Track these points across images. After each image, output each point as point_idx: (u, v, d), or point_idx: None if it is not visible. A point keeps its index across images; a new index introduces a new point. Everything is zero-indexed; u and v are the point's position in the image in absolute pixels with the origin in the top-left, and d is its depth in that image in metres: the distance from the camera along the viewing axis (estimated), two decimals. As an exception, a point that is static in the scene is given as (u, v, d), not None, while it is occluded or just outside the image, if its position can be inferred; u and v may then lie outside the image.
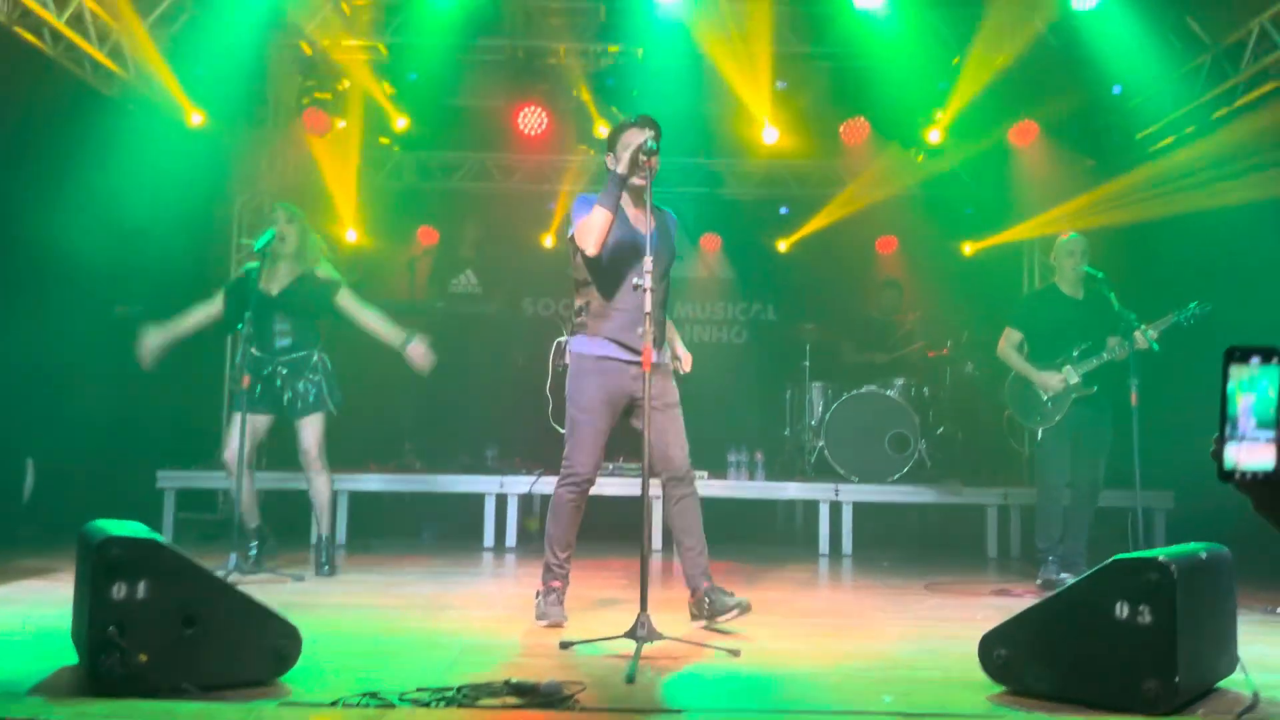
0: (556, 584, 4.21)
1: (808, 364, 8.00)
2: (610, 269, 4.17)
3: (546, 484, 7.14)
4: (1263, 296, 5.98)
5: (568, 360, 4.36)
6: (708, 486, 7.18)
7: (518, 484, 7.10)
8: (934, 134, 7.62)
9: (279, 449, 6.60)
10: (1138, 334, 5.24)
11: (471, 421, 8.11)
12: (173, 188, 7.05)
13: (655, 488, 6.86)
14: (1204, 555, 3.16)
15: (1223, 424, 1.35)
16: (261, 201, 8.35)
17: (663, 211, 4.32)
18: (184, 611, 2.89)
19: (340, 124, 7.54)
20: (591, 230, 4.03)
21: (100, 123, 6.81)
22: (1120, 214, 7.40)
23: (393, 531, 7.64)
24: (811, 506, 7.34)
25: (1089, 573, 3.11)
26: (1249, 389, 1.34)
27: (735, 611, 4.10)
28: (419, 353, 5.43)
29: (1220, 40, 6.72)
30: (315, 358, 5.43)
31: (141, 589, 2.86)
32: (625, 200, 4.18)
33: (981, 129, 7.74)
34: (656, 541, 7.05)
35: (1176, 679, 2.83)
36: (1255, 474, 1.35)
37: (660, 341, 4.19)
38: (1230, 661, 3.26)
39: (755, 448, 7.62)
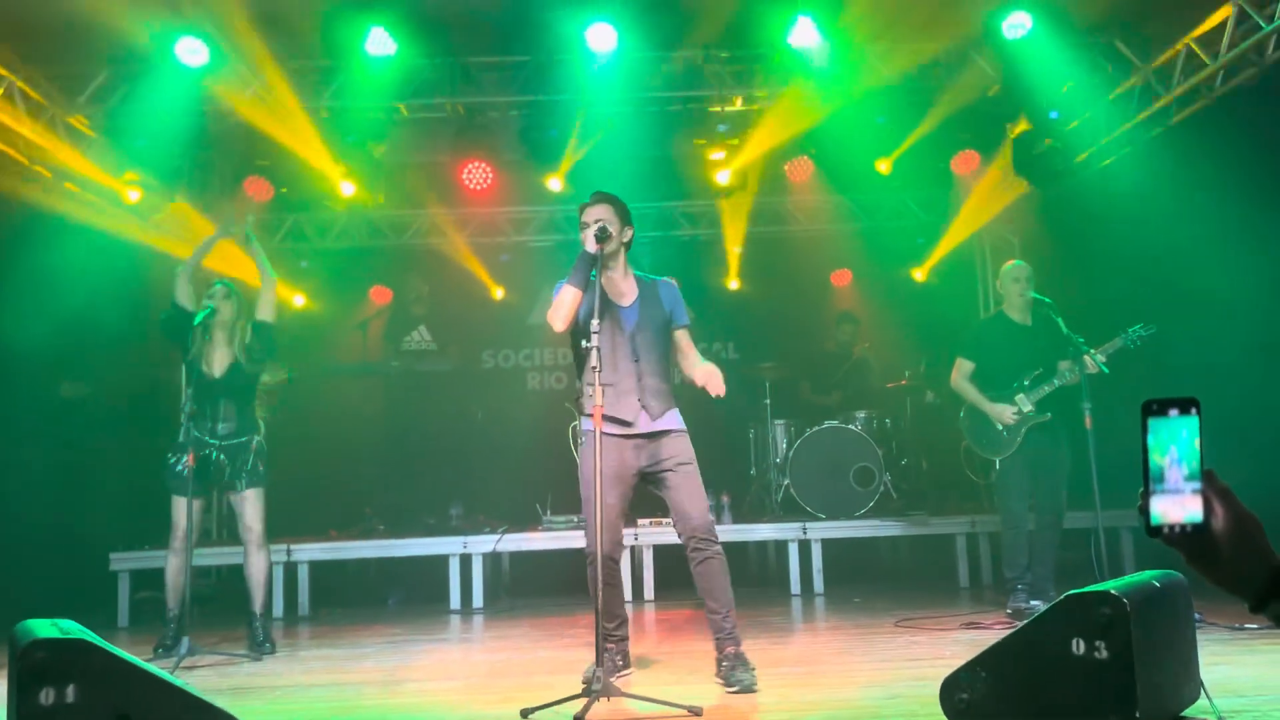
0: (610, 645, 4.17)
1: (768, 402, 7.98)
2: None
3: (511, 541, 7.06)
4: (1203, 313, 6.03)
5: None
6: (673, 533, 7.10)
7: (481, 543, 6.98)
8: (880, 168, 7.66)
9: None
10: (1087, 358, 5.26)
11: (434, 480, 8.00)
12: (116, 263, 6.96)
13: (609, 543, 6.86)
14: (1157, 584, 3.13)
15: (1146, 478, 1.32)
16: (208, 272, 8.25)
17: (654, 281, 4.40)
18: (117, 712, 2.78)
19: (283, 190, 7.48)
20: (559, 308, 4.10)
21: (38, 200, 6.73)
22: (1064, 238, 7.49)
23: (357, 600, 7.49)
24: (783, 545, 7.28)
25: (1043, 610, 3.07)
26: (1170, 441, 1.32)
27: (738, 689, 3.90)
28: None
29: (1149, 61, 6.85)
30: (255, 442, 5.43)
31: (70, 693, 2.74)
32: (606, 275, 4.23)
33: (926, 160, 7.81)
34: (627, 592, 6.95)
35: (1137, 714, 2.79)
36: (1184, 527, 1.32)
37: (661, 408, 4.27)
38: (1194, 689, 3.22)
39: (721, 489, 7.56)
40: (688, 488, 4.21)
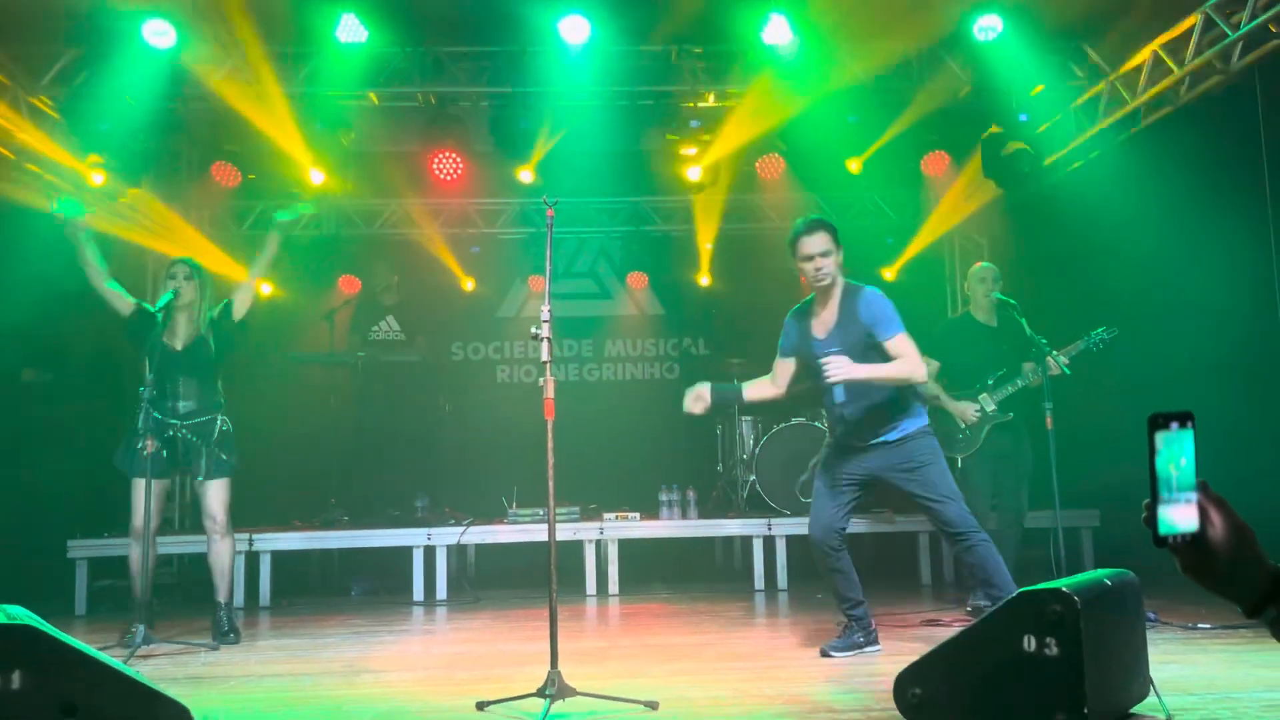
0: (845, 621, 4.60)
1: (736, 399, 7.97)
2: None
3: (476, 533, 7.04)
4: (1167, 316, 6.11)
5: None
6: (639, 527, 7.14)
7: (446, 535, 6.96)
8: (850, 166, 7.69)
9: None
10: (1050, 359, 5.31)
11: (400, 472, 7.95)
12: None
13: (567, 530, 6.89)
14: (1109, 582, 3.16)
15: (1154, 489, 1.36)
16: (174, 255, 8.17)
17: (854, 295, 4.54)
18: (62, 700, 2.75)
19: (251, 176, 7.40)
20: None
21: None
22: (1033, 240, 7.55)
23: (320, 590, 7.45)
24: (747, 541, 7.31)
25: (996, 607, 3.10)
26: (1171, 453, 1.34)
27: None
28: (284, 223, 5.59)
29: (1116, 67, 6.91)
30: (219, 420, 5.34)
31: (16, 679, 2.72)
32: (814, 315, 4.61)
33: (895, 160, 7.84)
34: (591, 586, 6.97)
35: (1085, 710, 2.82)
36: (1182, 536, 1.36)
37: (878, 426, 4.48)
38: (1143, 686, 3.26)
39: (688, 485, 7.57)
40: (925, 489, 4.45)
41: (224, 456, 5.34)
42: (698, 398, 4.54)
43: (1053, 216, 7.49)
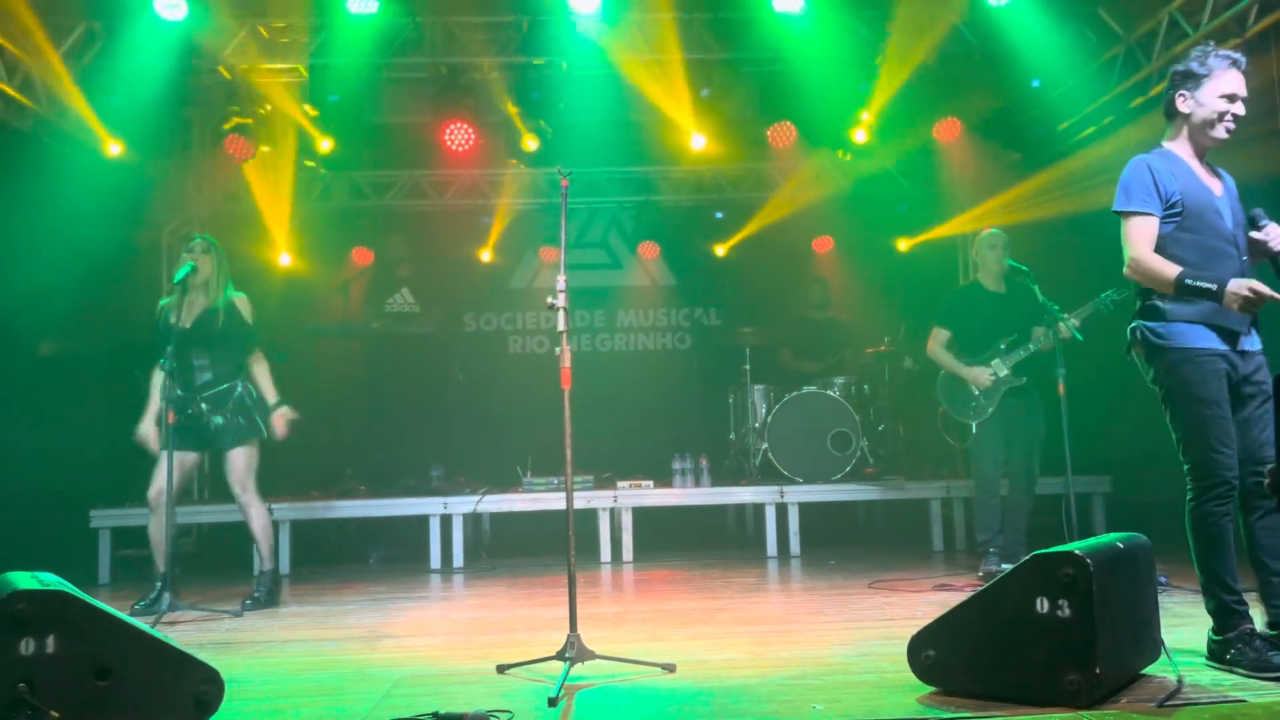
0: (1246, 626, 3.40)
1: (748, 367, 8.02)
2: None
3: (491, 502, 7.12)
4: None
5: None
6: (652, 496, 7.20)
7: (462, 504, 7.03)
8: (859, 134, 7.67)
9: (221, 481, 6.48)
10: (1061, 325, 5.32)
11: (415, 442, 8.04)
12: (94, 220, 6.91)
13: (581, 499, 6.95)
14: (1121, 545, 3.20)
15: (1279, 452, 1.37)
16: (190, 229, 8.23)
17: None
18: (96, 664, 2.82)
19: (264, 149, 7.43)
20: (1146, 273, 3.45)
21: (13, 158, 6.66)
22: (1047, 207, 7.53)
23: (338, 559, 7.55)
24: (760, 509, 7.37)
25: (1010, 570, 3.14)
26: None
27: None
28: (281, 420, 5.48)
29: (1132, 31, 6.86)
30: (239, 389, 5.40)
31: (50, 643, 2.78)
32: (1194, 157, 3.55)
33: (908, 127, 7.82)
34: (606, 554, 7.05)
35: (1097, 670, 2.87)
36: None
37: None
38: (1154, 648, 3.31)
39: (700, 453, 7.63)
40: (1262, 423, 3.40)
41: (242, 422, 5.37)
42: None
43: (1066, 181, 7.45)
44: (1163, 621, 3.42)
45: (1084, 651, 2.88)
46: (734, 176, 9.29)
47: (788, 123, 7.63)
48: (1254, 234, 3.43)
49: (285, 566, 6.92)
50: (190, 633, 4.74)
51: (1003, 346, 5.66)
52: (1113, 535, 3.35)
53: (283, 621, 5.05)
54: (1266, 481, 3.29)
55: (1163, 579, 5.01)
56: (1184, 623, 4.17)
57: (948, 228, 8.73)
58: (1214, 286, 3.27)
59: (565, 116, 7.53)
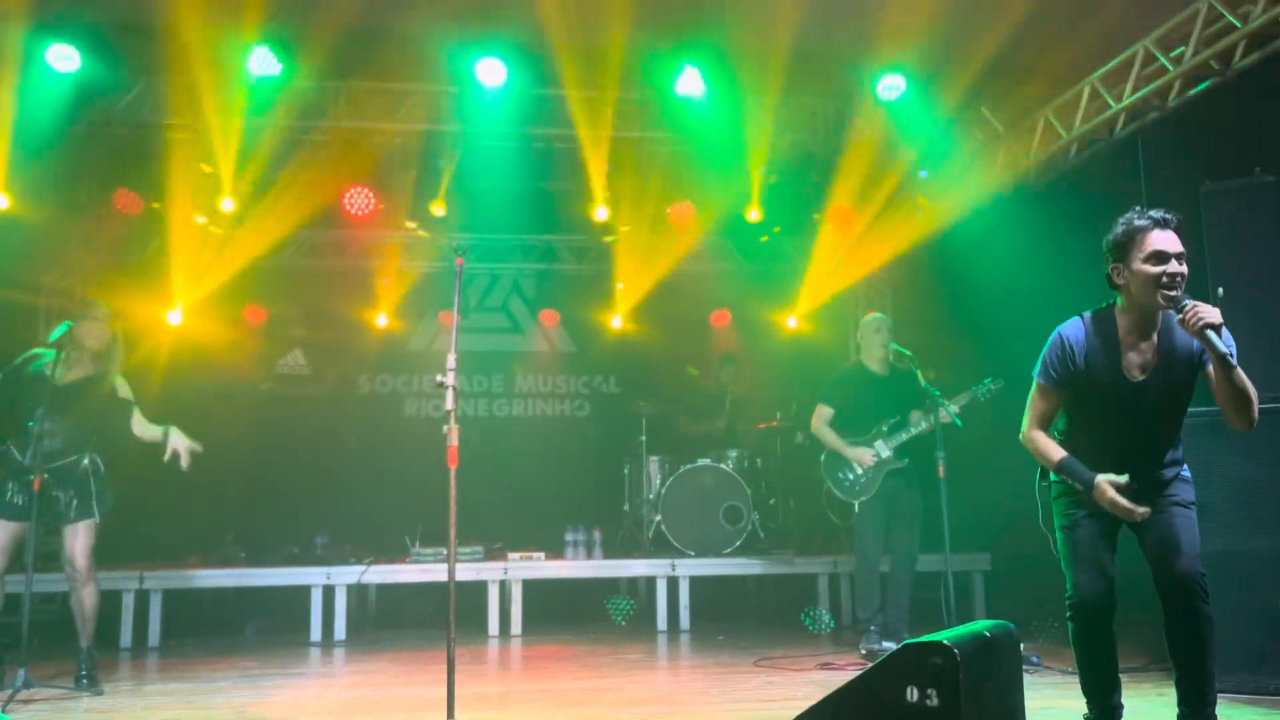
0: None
1: (644, 438, 8.07)
2: None
3: (377, 573, 6.95)
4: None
5: None
6: (543, 568, 7.14)
7: (346, 574, 6.85)
8: (753, 214, 7.87)
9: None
10: (941, 410, 5.51)
11: (301, 507, 7.82)
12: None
13: (470, 571, 6.85)
14: (988, 633, 3.30)
15: None
16: (71, 285, 7.96)
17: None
18: (-68, 757, 2.65)
19: (155, 205, 7.26)
20: (1039, 452, 3.48)
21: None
22: (926, 288, 7.84)
23: (213, 629, 7.24)
24: (652, 581, 7.36)
25: (882, 659, 3.20)
26: None
27: None
28: (180, 445, 5.28)
29: (1011, 129, 7.25)
30: (85, 462, 5.10)
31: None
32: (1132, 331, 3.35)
33: (803, 209, 8.07)
34: (494, 627, 6.93)
35: (963, 759, 2.93)
36: None
37: (1170, 463, 3.41)
38: (1019, 734, 3.41)
39: (594, 524, 7.61)
40: (1175, 528, 3.34)
41: (87, 501, 5.06)
42: None
43: (950, 269, 7.77)
44: (1032, 703, 3.52)
45: (951, 740, 2.94)
46: (636, 248, 9.41)
47: (687, 202, 7.81)
48: (1180, 318, 3.16)
49: (155, 639, 6.62)
50: (47, 713, 4.49)
51: (884, 428, 5.84)
52: (981, 623, 3.45)
53: (147, 700, 4.82)
54: None
55: (1034, 659, 5.18)
56: (1052, 704, 4.30)
57: (835, 299, 8.99)
58: (1081, 486, 3.33)
59: (469, 182, 7.57)
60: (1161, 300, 3.20)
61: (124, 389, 5.26)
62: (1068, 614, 3.46)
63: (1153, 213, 3.30)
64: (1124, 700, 3.54)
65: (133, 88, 6.66)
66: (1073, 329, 3.43)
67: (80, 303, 5.43)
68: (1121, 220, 3.35)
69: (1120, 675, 3.53)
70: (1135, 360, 3.33)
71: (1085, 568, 3.40)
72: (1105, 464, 3.31)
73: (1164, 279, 3.19)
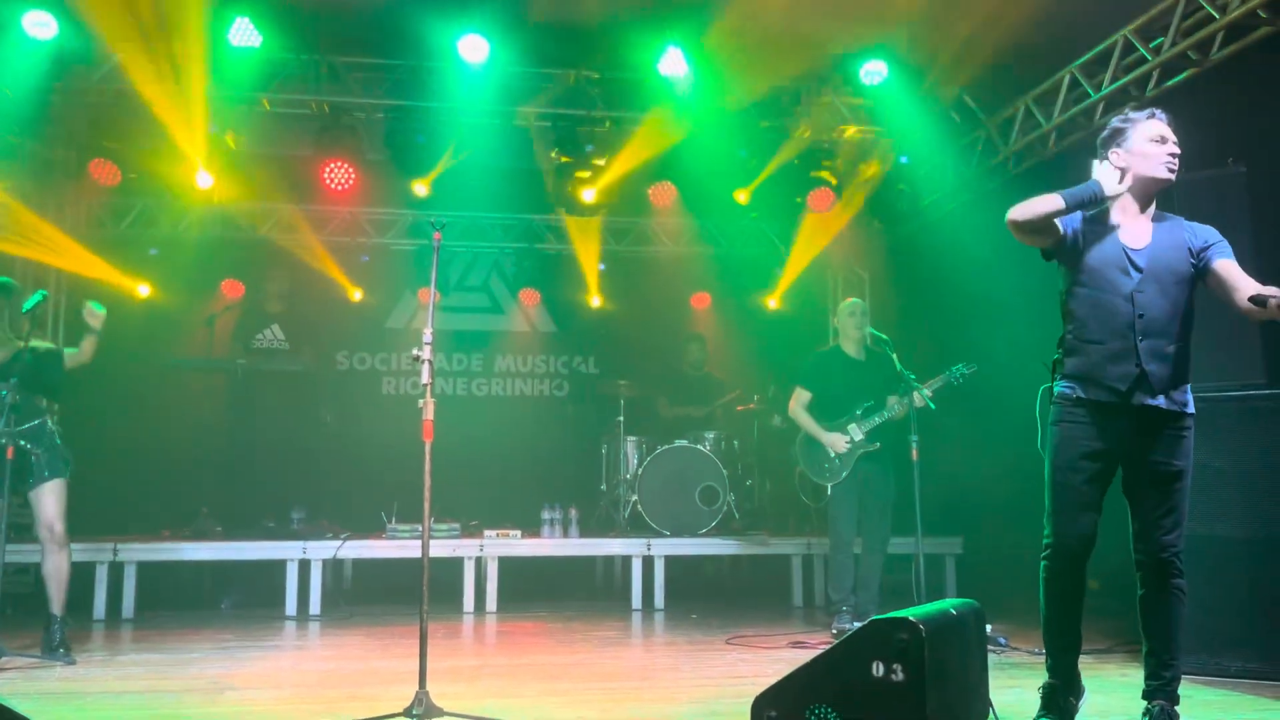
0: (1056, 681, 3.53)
1: (622, 419, 8.10)
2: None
3: (353, 548, 6.97)
4: (1024, 354, 6.45)
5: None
6: (519, 546, 7.17)
7: (322, 549, 6.86)
8: (739, 196, 7.88)
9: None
10: (915, 394, 5.56)
11: (277, 483, 7.79)
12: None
13: (447, 547, 6.88)
14: (954, 611, 3.36)
15: None
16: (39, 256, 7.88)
17: (1181, 222, 3.50)
18: (-98, 720, 2.66)
19: (132, 175, 7.19)
20: (1023, 206, 3.36)
21: None
22: (904, 274, 7.90)
23: (188, 603, 7.24)
24: (628, 560, 7.41)
25: (849, 634, 3.26)
26: None
27: None
28: (88, 311, 5.23)
29: (993, 116, 7.30)
30: (49, 424, 5.12)
31: None
32: (1128, 207, 3.49)
33: (784, 193, 8.09)
34: (469, 603, 6.96)
35: (927, 732, 2.99)
36: None
37: (1178, 378, 3.39)
38: (983, 709, 3.47)
39: (570, 503, 7.64)
40: (1164, 500, 3.41)
41: (59, 457, 5.08)
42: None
43: (928, 255, 7.83)
44: (998, 682, 3.58)
45: (915, 714, 3.00)
46: (617, 229, 9.42)
47: (668, 183, 7.82)
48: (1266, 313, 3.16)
49: (129, 611, 6.61)
50: (17, 681, 4.49)
51: (859, 412, 5.89)
52: (948, 601, 3.51)
53: (119, 671, 4.82)
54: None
55: (1001, 639, 5.26)
56: (1016, 684, 4.37)
57: (802, 264, 9.03)
58: (1089, 197, 3.36)
59: (451, 161, 7.54)
60: (1164, 172, 3.40)
61: (38, 342, 5.21)
62: (1043, 555, 3.47)
63: (1149, 109, 3.51)
64: (1086, 682, 3.61)
65: (111, 56, 6.58)
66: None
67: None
68: (1117, 116, 3.54)
69: (1084, 654, 3.59)
70: (1128, 235, 3.45)
71: (1072, 518, 3.40)
72: (1111, 343, 3.38)
73: (1165, 154, 3.40)
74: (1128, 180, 3.44)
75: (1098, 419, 3.40)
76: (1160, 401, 3.36)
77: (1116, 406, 3.38)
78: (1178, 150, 3.42)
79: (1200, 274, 3.40)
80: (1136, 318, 3.37)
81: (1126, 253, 3.41)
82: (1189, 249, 3.41)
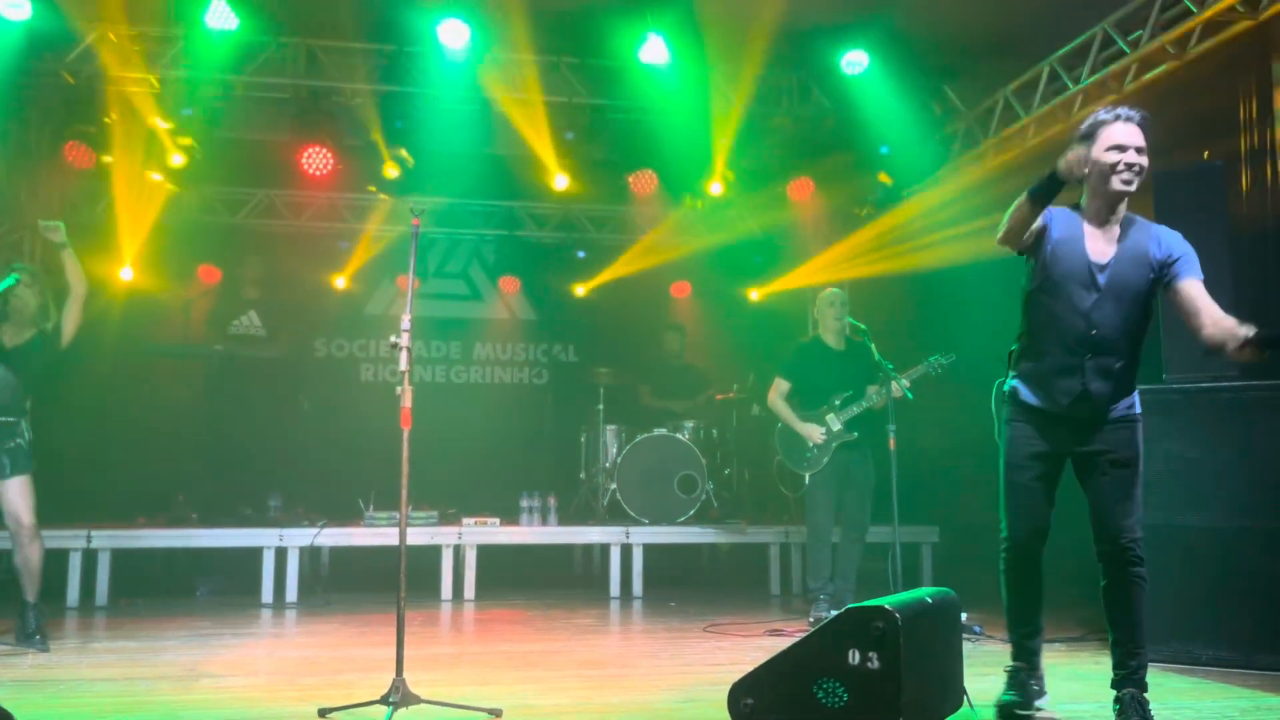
0: (1022, 666, 3.69)
1: (602, 407, 8.10)
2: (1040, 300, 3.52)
3: (330, 535, 6.94)
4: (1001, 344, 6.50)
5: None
6: (498, 534, 7.16)
7: (299, 536, 6.82)
8: (715, 186, 7.86)
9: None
10: (894, 384, 5.58)
11: (254, 470, 7.75)
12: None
13: (424, 535, 6.86)
14: (930, 600, 3.38)
15: None
16: (21, 236, 7.80)
17: (1149, 229, 3.47)
18: None
19: (107, 159, 7.11)
20: (1001, 225, 3.45)
21: None
22: (885, 265, 7.91)
23: (163, 590, 7.19)
24: (607, 549, 7.41)
25: (825, 622, 3.27)
26: None
27: None
28: (44, 228, 5.09)
29: (972, 108, 7.32)
30: (21, 423, 5.02)
31: None
32: (1096, 214, 3.46)
33: (763, 183, 8.09)
34: (447, 591, 6.95)
35: (901, 719, 3.01)
36: None
37: (1120, 392, 3.47)
38: (956, 697, 3.50)
39: (549, 491, 7.63)
40: (1117, 491, 3.47)
41: (19, 458, 4.97)
42: None
43: (907, 245, 7.85)
44: (972, 670, 3.61)
45: (889, 702, 3.02)
46: (597, 217, 9.40)
47: (649, 170, 7.80)
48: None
49: (103, 598, 6.56)
50: (-13, 670, 4.45)
51: (838, 402, 5.91)
52: (924, 590, 3.53)
53: (93, 658, 4.79)
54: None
55: (977, 628, 5.30)
56: (991, 672, 4.39)
57: (794, 279, 9.04)
58: (1045, 180, 3.30)
59: (430, 146, 7.48)
60: (1118, 185, 3.33)
61: (53, 319, 5.16)
62: (1001, 548, 3.60)
63: (1118, 109, 3.41)
64: (1060, 669, 3.66)
65: (85, 38, 6.49)
66: (1061, 210, 3.51)
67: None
68: (1090, 117, 3.47)
69: (1059, 642, 3.63)
70: (1094, 247, 3.43)
71: (1023, 514, 3.55)
72: (1059, 356, 3.45)
73: (1120, 166, 3.31)
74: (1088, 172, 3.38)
75: (1041, 423, 3.54)
76: (1100, 414, 3.47)
77: (1058, 415, 3.50)
78: (1137, 160, 3.33)
79: (1163, 285, 3.41)
80: (1089, 334, 3.41)
81: (1091, 267, 3.42)
82: (1151, 262, 3.40)
